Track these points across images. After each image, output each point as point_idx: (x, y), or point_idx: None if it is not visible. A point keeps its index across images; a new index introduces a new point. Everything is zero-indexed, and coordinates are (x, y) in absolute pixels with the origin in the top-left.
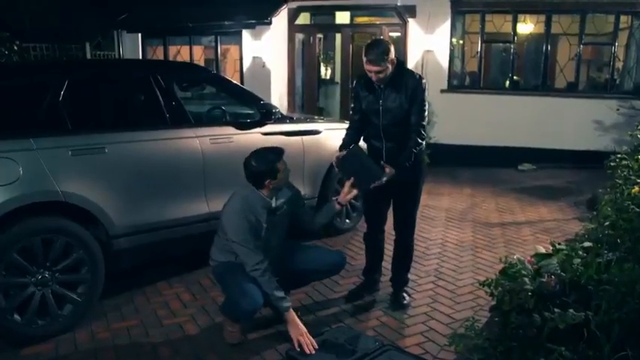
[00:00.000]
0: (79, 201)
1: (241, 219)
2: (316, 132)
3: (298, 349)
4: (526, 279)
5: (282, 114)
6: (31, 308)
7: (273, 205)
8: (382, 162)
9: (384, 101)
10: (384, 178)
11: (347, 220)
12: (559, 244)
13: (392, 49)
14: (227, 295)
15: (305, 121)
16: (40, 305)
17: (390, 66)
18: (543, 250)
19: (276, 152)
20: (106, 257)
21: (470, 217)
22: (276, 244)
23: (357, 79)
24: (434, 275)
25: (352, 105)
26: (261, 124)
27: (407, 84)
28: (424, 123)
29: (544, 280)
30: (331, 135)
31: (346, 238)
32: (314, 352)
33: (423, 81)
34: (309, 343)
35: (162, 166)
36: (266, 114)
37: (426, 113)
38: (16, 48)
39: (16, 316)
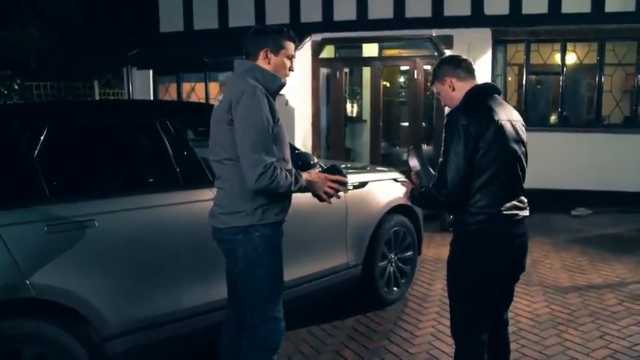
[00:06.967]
0: (57, 296)
1: (262, 98)
2: (361, 185)
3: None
4: None
5: (321, 165)
6: None
7: (283, 80)
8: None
9: None
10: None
11: (395, 289)
12: None
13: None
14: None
15: (348, 171)
16: None
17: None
18: None
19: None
20: None
21: (535, 279)
22: None
23: None
24: None
25: None
26: None
27: None
28: (446, 175)
29: None
30: (378, 188)
31: (396, 311)
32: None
33: (452, 116)
34: (335, 187)
35: (170, 243)
36: (303, 166)
37: (450, 161)
38: (16, 87)
39: None
